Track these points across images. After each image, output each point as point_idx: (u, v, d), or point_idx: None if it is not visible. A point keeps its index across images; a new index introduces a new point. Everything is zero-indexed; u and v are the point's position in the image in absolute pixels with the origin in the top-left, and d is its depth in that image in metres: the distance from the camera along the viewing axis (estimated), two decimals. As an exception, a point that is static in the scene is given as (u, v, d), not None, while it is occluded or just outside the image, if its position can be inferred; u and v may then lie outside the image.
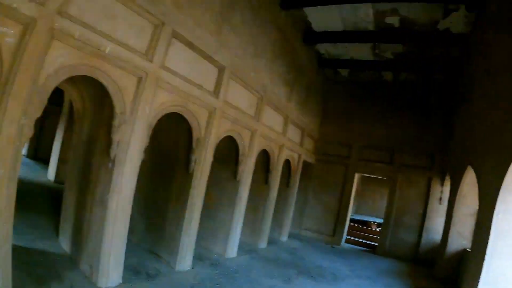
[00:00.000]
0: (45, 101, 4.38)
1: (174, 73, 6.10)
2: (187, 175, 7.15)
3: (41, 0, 4.03)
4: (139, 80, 5.51)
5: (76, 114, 6.53)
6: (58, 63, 4.42)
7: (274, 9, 8.98)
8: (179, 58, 6.23)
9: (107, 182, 5.47)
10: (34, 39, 4.07)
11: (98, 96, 5.92)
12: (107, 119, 5.67)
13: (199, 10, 6.47)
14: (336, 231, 14.25)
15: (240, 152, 8.50)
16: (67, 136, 13.63)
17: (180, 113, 6.50)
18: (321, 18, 10.36)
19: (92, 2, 4.64)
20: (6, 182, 4.03)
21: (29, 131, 4.23)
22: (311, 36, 11.13)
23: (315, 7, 9.53)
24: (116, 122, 5.30)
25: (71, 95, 6.37)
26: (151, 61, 5.58)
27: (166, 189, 7.56)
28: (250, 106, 8.64)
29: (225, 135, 7.80)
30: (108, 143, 5.45)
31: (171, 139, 7.54)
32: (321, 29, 10.90)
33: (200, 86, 6.71)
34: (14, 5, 3.79)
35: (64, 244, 6.53)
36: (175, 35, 6.01)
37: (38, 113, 4.31)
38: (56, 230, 7.24)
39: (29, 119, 4.19)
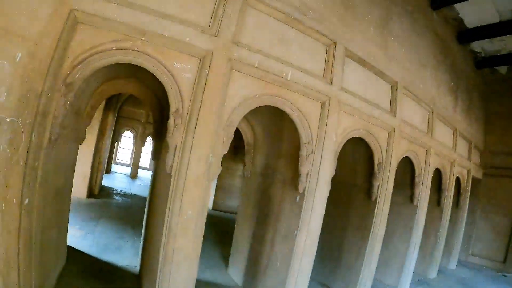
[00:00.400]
0: (232, 136, 3.56)
1: (353, 94, 4.89)
2: (369, 202, 5.75)
3: (213, 32, 3.44)
4: (323, 105, 4.41)
5: (247, 145, 5.69)
6: (241, 95, 3.54)
7: (426, 11, 7.25)
8: (354, 78, 5.00)
9: (295, 217, 4.47)
10: (213, 72, 3.35)
11: (273, 126, 4.97)
12: (287, 150, 4.76)
13: (363, 24, 5.21)
14: (507, 256, 10.69)
15: (417, 173, 6.82)
16: (224, 165, 13.17)
17: (361, 136, 5.19)
18: (473, 12, 8.15)
19: (262, 29, 3.85)
20: (194, 224, 3.44)
21: (216, 169, 3.50)
22: (465, 34, 8.91)
23: (466, 1, 7.47)
24: (303, 152, 4.23)
25: (240, 126, 5.53)
26: (331, 83, 4.47)
27: (343, 218, 6.19)
28: (423, 121, 6.96)
29: (402, 157, 6.21)
30: (293, 175, 4.51)
31: (347, 165, 6.21)
32: (475, 24, 8.61)
33: (377, 106, 5.35)
34: (187, 39, 3.26)
35: (235, 276, 5.81)
36: (347, 53, 4.84)
37: (225, 150, 3.54)
38: (224, 260, 6.55)
39: (216, 156, 3.46)
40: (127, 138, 22.21)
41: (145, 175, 19.16)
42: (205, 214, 3.47)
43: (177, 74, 3.26)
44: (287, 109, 4.00)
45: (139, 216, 7.72)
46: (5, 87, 2.47)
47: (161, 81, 3.25)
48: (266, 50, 3.84)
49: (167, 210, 3.34)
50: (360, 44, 5.05)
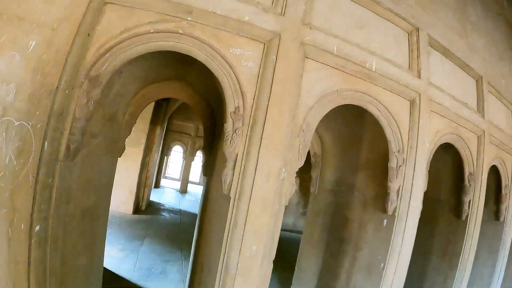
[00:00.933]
0: (309, 145, 2.54)
1: (441, 90, 3.74)
2: (457, 222, 4.51)
3: (278, 10, 2.53)
4: (412, 103, 3.31)
5: (313, 156, 4.63)
6: (317, 89, 2.52)
7: (495, -5, 5.95)
8: (439, 71, 3.86)
9: (381, 245, 3.34)
10: (283, 60, 2.40)
11: (346, 132, 3.95)
12: (367, 161, 3.74)
13: (441, 8, 4.09)
14: None
15: (503, 184, 5.48)
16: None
17: (451, 142, 4.03)
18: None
19: (334, 10, 2.86)
20: (260, 263, 2.41)
21: (290, 188, 2.45)
22: (537, 23, 7.51)
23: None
24: (393, 163, 3.13)
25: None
26: (419, 77, 3.38)
27: (424, 241, 4.89)
28: (507, 123, 5.64)
29: (490, 166, 4.94)
30: (377, 193, 3.46)
31: (429, 176, 5.00)
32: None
33: (465, 104, 4.17)
34: (246, 18, 2.38)
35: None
36: (430, 42, 3.72)
37: (300, 162, 2.49)
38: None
39: (290, 171, 2.47)
40: (176, 153, 21.58)
41: (195, 190, 18.34)
42: (275, 248, 2.46)
43: (235, 63, 2.33)
44: (372, 108, 2.96)
45: (188, 235, 6.87)
46: (14, 84, 1.94)
47: (214, 72, 2.33)
48: (343, 35, 2.84)
49: (223, 244, 2.37)
50: (441, 31, 3.94)
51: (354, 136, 3.78)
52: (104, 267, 4.26)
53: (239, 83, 2.30)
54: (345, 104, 2.90)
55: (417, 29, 3.53)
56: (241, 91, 2.30)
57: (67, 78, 2.07)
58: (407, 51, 3.47)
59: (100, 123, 2.81)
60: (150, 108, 8.92)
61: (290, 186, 2.40)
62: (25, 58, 1.95)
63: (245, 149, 2.29)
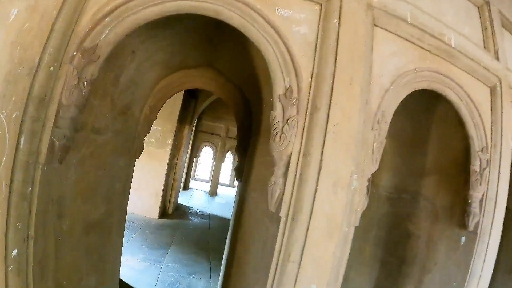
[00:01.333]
0: (384, 141, 1.74)
1: (517, 76, 2.89)
2: (527, 235, 3.61)
3: None
4: (493, 90, 2.49)
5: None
6: (392, 67, 1.78)
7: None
8: (510, 54, 3.02)
9: (457, 268, 2.50)
10: (347, 27, 1.65)
11: (407, 127, 3.14)
12: (436, 163, 2.85)
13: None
14: None
15: None
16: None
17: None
18: None
19: None
20: None
21: (363, 201, 1.73)
22: None
23: None
24: (475, 166, 2.32)
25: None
26: (497, 59, 2.56)
27: None
28: None
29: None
30: (451, 203, 2.61)
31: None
32: None
33: (538, 96, 3.31)
34: None
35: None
36: (502, 21, 2.89)
37: (375, 166, 1.72)
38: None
39: (362, 177, 1.69)
40: (206, 154, 20.67)
41: (225, 192, 17.33)
42: (341, 279, 1.68)
43: (284, 27, 1.59)
44: (452, 94, 2.16)
45: (217, 242, 6.18)
46: (-10, 64, 1.40)
47: (255, 41, 1.59)
48: (413, 1, 2.08)
49: (269, 281, 1.59)
50: (508, 9, 3.13)
51: (418, 134, 2.97)
52: (121, 280, 3.62)
53: (290, 54, 1.56)
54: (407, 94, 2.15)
55: (488, 3, 2.75)
56: (293, 66, 1.55)
57: (53, 50, 1.42)
58: (479, 28, 2.69)
59: (107, 116, 2.13)
60: (177, 106, 8.19)
61: (363, 199, 1.64)
62: (4, 30, 1.44)
63: (302, 147, 1.53)
